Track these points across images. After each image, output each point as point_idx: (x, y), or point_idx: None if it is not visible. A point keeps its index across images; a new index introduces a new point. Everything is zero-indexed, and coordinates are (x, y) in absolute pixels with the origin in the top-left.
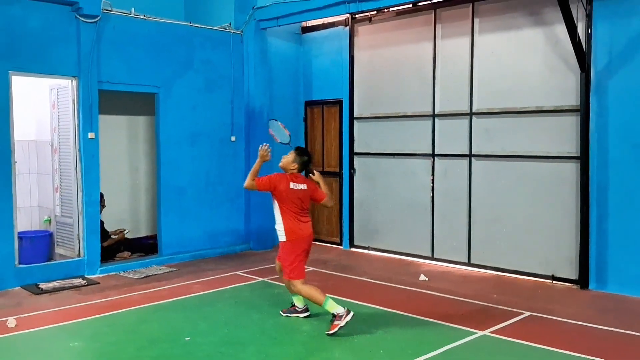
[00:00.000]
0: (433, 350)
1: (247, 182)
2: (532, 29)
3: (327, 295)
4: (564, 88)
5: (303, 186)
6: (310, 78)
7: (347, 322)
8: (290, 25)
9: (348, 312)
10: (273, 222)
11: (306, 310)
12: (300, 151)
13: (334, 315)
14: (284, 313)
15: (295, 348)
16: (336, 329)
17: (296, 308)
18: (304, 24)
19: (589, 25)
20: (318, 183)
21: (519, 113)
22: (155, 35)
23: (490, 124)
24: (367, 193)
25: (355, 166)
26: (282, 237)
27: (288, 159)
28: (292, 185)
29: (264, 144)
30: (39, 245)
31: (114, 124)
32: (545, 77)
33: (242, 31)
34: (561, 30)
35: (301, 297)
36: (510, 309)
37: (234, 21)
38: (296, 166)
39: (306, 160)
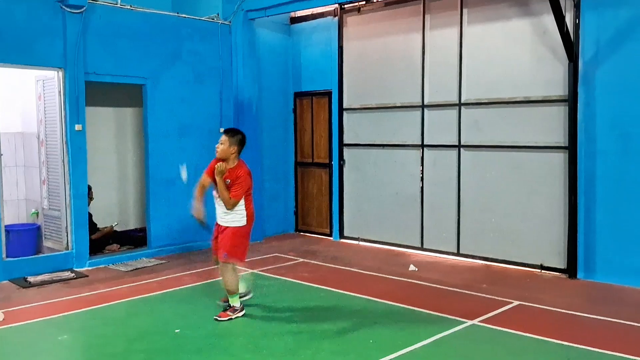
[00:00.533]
0: (423, 340)
1: (227, 203)
2: (521, 19)
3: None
4: (552, 78)
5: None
6: (299, 69)
7: (236, 318)
8: (278, 16)
9: (242, 309)
10: (261, 214)
11: (249, 292)
12: (231, 132)
13: (229, 306)
14: (222, 317)
15: (284, 339)
16: (225, 319)
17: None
18: (292, 14)
19: (576, 15)
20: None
21: (507, 103)
22: (142, 26)
23: (479, 114)
24: (357, 184)
25: (344, 157)
26: (241, 221)
27: (224, 147)
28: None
29: (220, 161)
30: (27, 238)
31: (101, 116)
32: (533, 67)
33: (230, 22)
34: (549, 20)
35: (241, 284)
36: (499, 298)
37: (221, 11)
38: (236, 149)
39: (241, 138)
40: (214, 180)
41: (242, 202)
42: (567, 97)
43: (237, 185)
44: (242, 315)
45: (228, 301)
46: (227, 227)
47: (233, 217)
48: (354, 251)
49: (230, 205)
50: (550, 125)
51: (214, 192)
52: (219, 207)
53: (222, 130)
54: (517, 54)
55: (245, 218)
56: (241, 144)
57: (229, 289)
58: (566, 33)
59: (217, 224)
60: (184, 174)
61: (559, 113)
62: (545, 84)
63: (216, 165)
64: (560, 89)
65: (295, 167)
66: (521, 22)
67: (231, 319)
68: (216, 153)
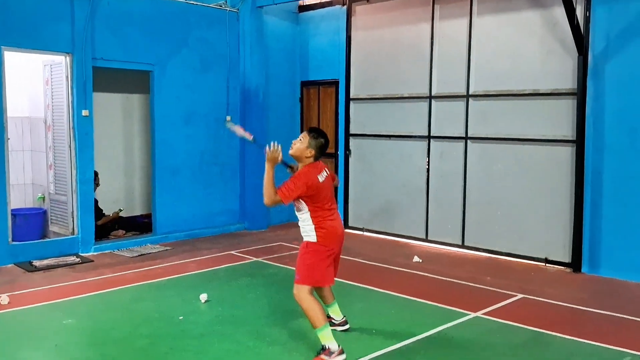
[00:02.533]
0: (426, 331)
1: (268, 197)
2: (531, 11)
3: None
4: (561, 71)
5: (326, 171)
6: (306, 58)
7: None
8: (286, 4)
9: (342, 352)
10: None
11: (344, 323)
12: (315, 132)
13: (323, 349)
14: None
15: (288, 327)
16: None
17: (333, 320)
18: (300, 2)
19: (587, 8)
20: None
21: (516, 96)
22: (150, 12)
23: (486, 106)
24: (362, 175)
25: (350, 147)
26: (312, 237)
27: (301, 146)
28: (319, 177)
29: (273, 143)
30: (33, 222)
31: (108, 101)
32: (542, 59)
33: (238, 9)
34: (560, 12)
35: (334, 307)
36: (503, 291)
37: None
38: (313, 153)
39: (324, 144)
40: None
41: (306, 212)
42: (576, 90)
43: (293, 179)
44: None
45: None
46: (303, 242)
47: (304, 230)
48: (359, 241)
49: (267, 199)
50: (558, 119)
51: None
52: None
53: (228, 118)
54: (526, 46)
55: (315, 233)
56: (320, 151)
57: (310, 320)
58: (576, 26)
59: None
60: (203, 298)
61: (568, 106)
62: (554, 76)
63: (269, 148)
64: (569, 82)
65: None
66: (531, 14)
67: None
68: (290, 148)
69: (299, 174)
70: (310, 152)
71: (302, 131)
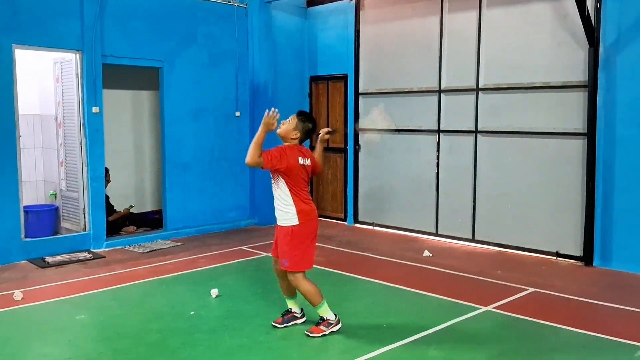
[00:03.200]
0: (437, 325)
1: (250, 157)
2: (541, 3)
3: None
4: (572, 63)
5: (308, 161)
6: (315, 53)
7: (331, 332)
8: None
9: (338, 321)
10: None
11: (303, 315)
12: (304, 116)
13: (322, 319)
14: (280, 324)
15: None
16: (319, 335)
17: (295, 314)
18: None
19: None
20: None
21: (526, 89)
22: (159, 9)
23: (497, 99)
24: (372, 169)
25: (360, 142)
26: (292, 220)
27: (289, 126)
28: (300, 160)
29: (272, 109)
30: (45, 219)
31: (118, 98)
32: (553, 52)
33: (246, 4)
34: (570, 4)
35: (296, 300)
36: (514, 285)
37: None
38: (298, 135)
39: (310, 128)
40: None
41: (289, 196)
42: (587, 82)
43: (274, 149)
44: (338, 330)
45: (285, 321)
46: (281, 226)
47: (282, 213)
48: (369, 236)
49: (250, 158)
50: (569, 112)
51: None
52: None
53: (238, 114)
54: (536, 38)
55: (296, 216)
56: (306, 134)
57: (310, 301)
58: (587, 17)
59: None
60: (214, 293)
61: (578, 99)
62: (565, 69)
63: (267, 113)
64: (580, 74)
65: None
66: (541, 6)
67: (325, 334)
68: (278, 128)
69: (283, 149)
70: (296, 134)
71: None
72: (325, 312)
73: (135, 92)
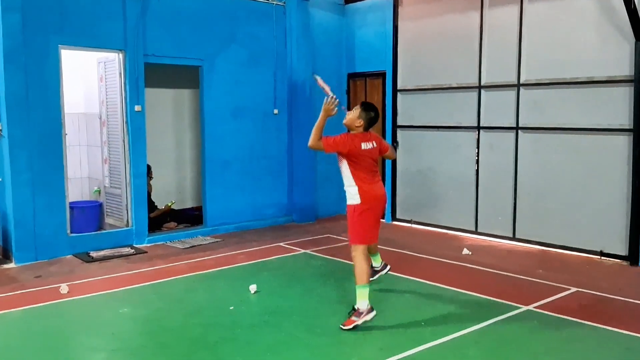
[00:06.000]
0: (476, 324)
1: (312, 140)
2: None
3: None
4: (617, 58)
5: (373, 144)
6: (353, 50)
7: (364, 322)
8: None
9: (370, 309)
10: (315, 195)
11: (385, 266)
12: (366, 106)
13: (353, 309)
14: (346, 326)
15: (337, 319)
16: (351, 326)
17: (375, 268)
18: None
19: None
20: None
21: (569, 84)
22: (199, 8)
23: (538, 95)
24: (410, 166)
25: (398, 139)
26: (354, 199)
27: (353, 116)
28: (363, 145)
29: (331, 96)
30: (90, 215)
31: (160, 96)
32: (597, 46)
33: (284, 3)
34: None
35: (377, 256)
36: (556, 284)
37: None
38: (362, 123)
39: (373, 117)
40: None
41: (350, 177)
42: (633, 77)
43: (337, 136)
44: (372, 319)
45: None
46: (348, 205)
47: (347, 194)
48: (407, 234)
49: (312, 141)
50: (614, 107)
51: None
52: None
53: (276, 112)
54: (580, 32)
55: (358, 196)
56: (370, 122)
57: (357, 278)
58: (633, 10)
59: None
60: (253, 289)
61: (624, 94)
62: (610, 63)
63: (326, 99)
64: (626, 68)
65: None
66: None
67: (357, 324)
68: (344, 118)
69: (346, 136)
70: (360, 122)
71: None
72: (361, 297)
73: (177, 90)
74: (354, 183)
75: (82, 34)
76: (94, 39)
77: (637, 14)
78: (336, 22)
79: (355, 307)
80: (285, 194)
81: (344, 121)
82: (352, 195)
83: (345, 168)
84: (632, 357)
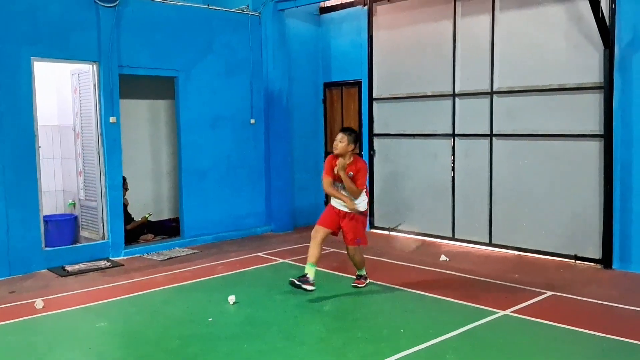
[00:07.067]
0: (454, 329)
1: (357, 193)
2: (554, 5)
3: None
4: (587, 65)
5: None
6: (329, 59)
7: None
8: (308, 6)
9: (367, 277)
10: (292, 204)
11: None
12: (349, 131)
13: (361, 276)
14: (363, 285)
15: (317, 328)
16: (363, 285)
17: (308, 279)
18: (321, 4)
19: (612, 0)
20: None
21: (541, 91)
22: (174, 19)
23: (511, 102)
24: (387, 174)
25: (374, 147)
26: (363, 207)
27: (343, 144)
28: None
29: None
30: (65, 228)
31: (135, 108)
32: (567, 54)
33: (260, 13)
34: (584, 6)
35: (313, 268)
36: (532, 288)
37: (251, 3)
38: (353, 147)
39: (357, 136)
40: (334, 177)
41: (364, 191)
42: (602, 84)
43: (360, 175)
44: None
45: (302, 283)
46: (352, 212)
47: (357, 202)
48: (385, 241)
49: (357, 194)
50: (585, 113)
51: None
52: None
53: (252, 122)
54: (551, 41)
55: (365, 204)
56: (356, 142)
57: (359, 266)
58: (602, 19)
59: (332, 206)
60: (231, 300)
61: (595, 100)
62: (580, 71)
63: (338, 162)
64: (595, 75)
65: (326, 157)
66: (555, 8)
67: (366, 285)
68: (335, 149)
69: (363, 170)
70: (352, 147)
71: (325, 132)
72: (364, 271)
73: (152, 101)
74: (364, 195)
75: (54, 46)
76: (67, 50)
77: (605, 23)
78: (312, 32)
79: (363, 274)
80: (263, 203)
81: (337, 151)
82: (361, 203)
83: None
84: (608, 358)
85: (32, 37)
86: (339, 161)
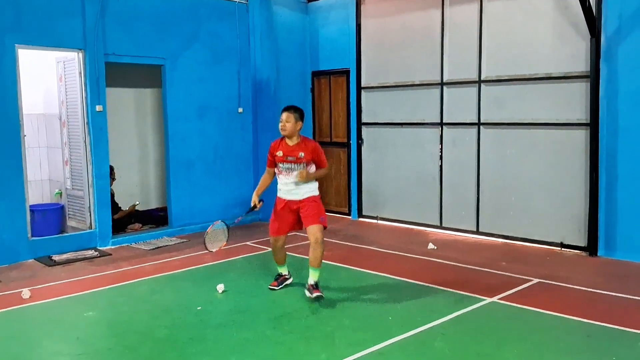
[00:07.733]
0: (442, 317)
1: (327, 174)
2: None
3: None
4: (574, 54)
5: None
6: (316, 48)
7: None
8: None
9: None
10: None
11: (291, 276)
12: (293, 109)
13: (316, 284)
14: (277, 287)
15: (305, 316)
16: (319, 294)
17: (286, 277)
18: None
19: None
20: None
21: (528, 80)
22: (161, 7)
23: (499, 91)
24: (375, 163)
25: (363, 136)
26: (316, 191)
27: (291, 124)
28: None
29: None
30: (51, 218)
31: (121, 96)
32: (554, 43)
33: (247, 1)
34: None
35: (286, 265)
36: (519, 276)
37: None
38: (301, 124)
39: (302, 113)
40: (282, 161)
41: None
42: (589, 73)
43: (319, 152)
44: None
45: (278, 284)
46: (307, 198)
47: (310, 187)
48: (373, 230)
49: (327, 172)
50: (572, 102)
51: (281, 172)
52: (290, 183)
53: (240, 110)
54: (538, 30)
55: (316, 186)
56: (302, 119)
57: (319, 261)
58: (588, 8)
59: (282, 199)
60: (220, 288)
61: (581, 89)
62: (567, 59)
63: (300, 173)
64: (582, 64)
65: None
66: None
67: (320, 296)
68: (282, 132)
69: (316, 146)
70: (299, 125)
71: (314, 121)
72: (317, 273)
73: (139, 90)
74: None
75: (39, 33)
76: (52, 38)
77: (592, 12)
78: (300, 21)
79: (317, 283)
80: (251, 192)
81: (286, 134)
82: (315, 187)
83: (312, 167)
84: (593, 344)
85: (16, 25)
86: (300, 172)
